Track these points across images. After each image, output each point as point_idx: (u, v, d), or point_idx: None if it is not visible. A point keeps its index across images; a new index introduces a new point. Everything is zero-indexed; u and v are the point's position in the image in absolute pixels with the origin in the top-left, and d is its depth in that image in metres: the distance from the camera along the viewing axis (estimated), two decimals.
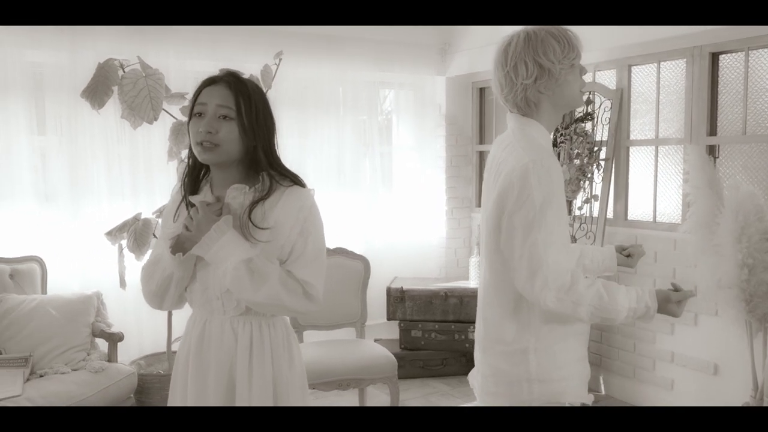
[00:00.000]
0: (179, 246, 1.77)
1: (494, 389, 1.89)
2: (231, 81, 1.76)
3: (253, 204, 1.76)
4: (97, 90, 3.29)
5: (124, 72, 3.35)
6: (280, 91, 4.51)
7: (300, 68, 4.62)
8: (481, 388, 1.94)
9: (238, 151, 1.76)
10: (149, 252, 3.28)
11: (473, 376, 2.03)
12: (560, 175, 1.80)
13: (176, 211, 1.88)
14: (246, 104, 1.74)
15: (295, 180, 1.82)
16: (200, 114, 1.75)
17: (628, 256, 2.19)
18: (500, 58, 1.87)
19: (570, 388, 1.85)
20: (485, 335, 1.93)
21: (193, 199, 1.83)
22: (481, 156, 5.42)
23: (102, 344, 3.60)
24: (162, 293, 1.85)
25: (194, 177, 1.89)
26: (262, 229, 1.74)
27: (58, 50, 3.81)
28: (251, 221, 1.75)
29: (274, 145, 1.82)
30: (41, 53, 3.81)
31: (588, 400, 1.91)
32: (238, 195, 1.79)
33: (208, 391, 1.78)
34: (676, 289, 1.86)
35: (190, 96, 2.99)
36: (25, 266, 3.66)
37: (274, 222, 1.75)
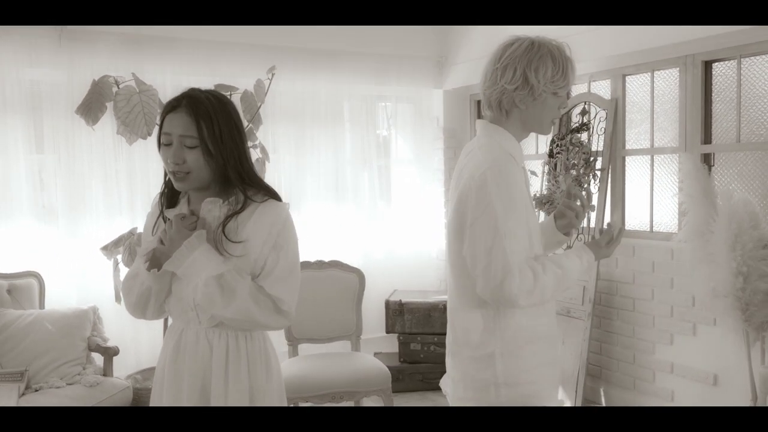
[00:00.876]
0: (155, 261, 1.78)
1: (463, 394, 1.89)
2: (190, 105, 1.75)
3: (227, 218, 1.78)
4: (91, 106, 3.34)
5: (118, 88, 3.39)
6: (277, 106, 4.57)
7: (297, 82, 4.65)
8: (453, 394, 1.95)
9: (209, 173, 1.77)
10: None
11: (445, 381, 2.03)
12: (520, 179, 1.83)
13: (155, 225, 1.90)
14: (208, 127, 1.73)
15: (269, 193, 1.83)
16: (167, 144, 1.76)
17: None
18: (497, 53, 1.89)
19: (538, 391, 1.84)
20: (454, 340, 1.93)
21: (168, 213, 1.85)
22: None
23: (98, 358, 3.62)
24: (143, 305, 1.87)
25: (173, 190, 1.90)
26: (235, 243, 1.75)
27: (56, 68, 3.87)
28: (224, 235, 1.76)
29: (244, 159, 1.81)
30: (39, 71, 3.87)
31: (558, 405, 1.91)
32: (213, 208, 1.81)
33: (182, 400, 1.79)
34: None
35: None
36: (23, 281, 3.69)
37: (246, 236, 1.76)
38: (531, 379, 1.83)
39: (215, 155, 1.74)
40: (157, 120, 1.82)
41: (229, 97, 3.50)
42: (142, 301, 1.86)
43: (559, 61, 1.83)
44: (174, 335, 1.85)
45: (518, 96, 1.84)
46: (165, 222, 1.84)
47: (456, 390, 1.93)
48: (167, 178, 1.87)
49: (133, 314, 1.91)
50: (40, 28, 3.75)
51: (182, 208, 1.86)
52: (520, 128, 1.92)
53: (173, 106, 1.77)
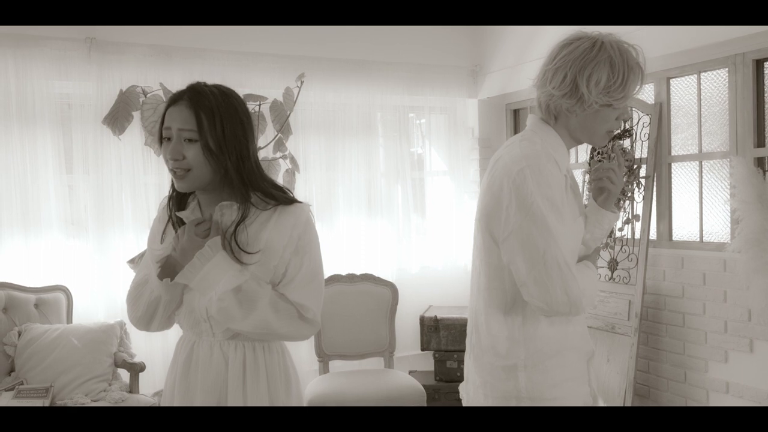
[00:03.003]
0: (168, 270, 1.65)
1: (483, 401, 1.74)
2: (191, 98, 1.63)
3: (237, 224, 1.64)
4: (117, 116, 3.29)
5: (145, 98, 3.34)
6: (307, 117, 4.49)
7: (328, 93, 4.57)
8: (472, 400, 1.79)
9: (210, 172, 1.63)
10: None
11: (463, 388, 1.88)
12: (559, 181, 1.67)
13: (164, 230, 1.77)
14: (209, 121, 1.61)
15: (282, 196, 1.69)
16: (168, 139, 1.64)
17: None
18: (553, 52, 1.72)
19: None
20: (477, 343, 1.78)
21: (182, 214, 1.72)
22: None
23: (124, 374, 3.53)
24: (149, 316, 1.74)
25: (181, 194, 1.77)
26: (249, 253, 1.62)
27: (85, 80, 3.84)
28: (237, 243, 1.62)
29: (247, 158, 1.66)
30: (69, 83, 3.85)
31: None
32: (228, 212, 1.68)
33: None
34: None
35: None
36: (50, 296, 3.64)
37: (264, 243, 1.63)
38: (556, 395, 1.67)
39: (216, 152, 1.61)
40: None
41: (258, 107, 3.39)
42: (150, 312, 1.73)
43: (618, 69, 1.63)
44: (185, 348, 1.72)
45: (566, 104, 1.67)
46: (176, 228, 1.71)
47: (476, 396, 1.78)
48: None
49: (137, 326, 1.79)
50: (69, 41, 3.74)
51: (194, 211, 1.73)
52: (567, 137, 1.76)
53: (174, 99, 1.66)
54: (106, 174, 3.93)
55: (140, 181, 4.02)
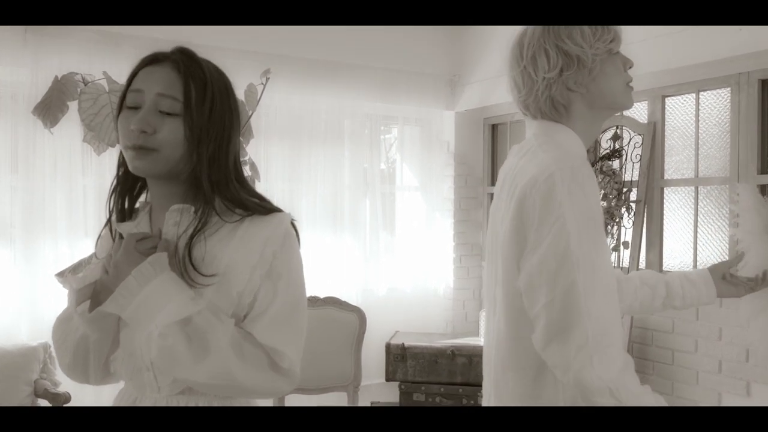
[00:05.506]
0: (96, 298, 1.25)
1: None
2: (181, 60, 1.26)
3: (192, 236, 1.25)
4: (50, 106, 2.85)
5: (84, 86, 2.90)
6: (270, 121, 4.09)
7: (294, 96, 4.18)
8: None
9: (179, 159, 1.24)
10: None
11: None
12: (596, 189, 1.35)
13: (98, 239, 1.40)
14: (198, 94, 1.24)
15: (257, 205, 1.30)
16: (134, 107, 1.24)
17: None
18: (515, 52, 1.47)
19: None
20: (503, 369, 1.44)
21: (121, 227, 1.32)
22: (493, 199, 4.94)
23: (46, 405, 3.04)
24: (82, 365, 1.32)
25: (126, 194, 1.38)
26: (204, 275, 1.22)
27: (18, 66, 3.37)
28: (191, 260, 1.23)
29: (227, 154, 1.29)
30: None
31: None
32: (183, 220, 1.28)
33: None
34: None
35: None
36: None
37: (227, 262, 1.24)
38: None
39: (197, 134, 1.23)
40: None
41: None
42: (80, 358, 1.31)
43: None
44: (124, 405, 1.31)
45: (570, 79, 1.41)
46: (114, 240, 1.32)
47: None
48: (120, 171, 1.36)
49: (73, 377, 1.37)
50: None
51: (140, 223, 1.33)
52: (590, 117, 1.46)
53: (155, 58, 1.28)
54: (38, 174, 3.45)
55: (77, 183, 3.55)
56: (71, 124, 3.26)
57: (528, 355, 1.35)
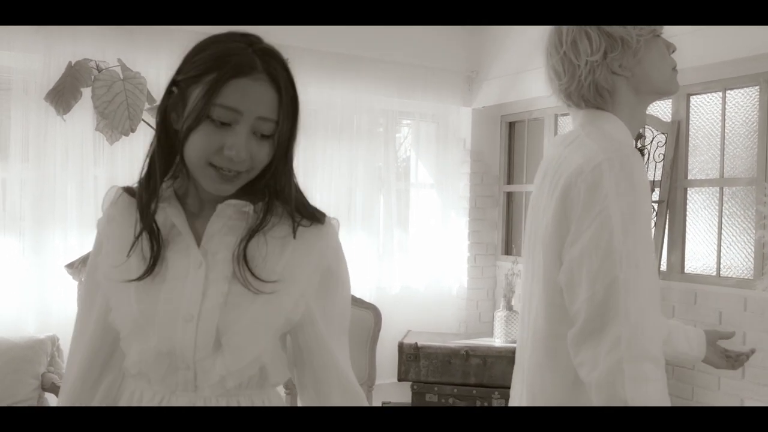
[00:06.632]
0: None
1: None
2: (276, 76, 1.12)
3: (250, 236, 1.14)
4: (63, 92, 2.77)
5: (98, 73, 2.83)
6: None
7: (310, 89, 4.10)
8: None
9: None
10: None
11: None
12: (645, 182, 1.27)
13: (132, 245, 1.17)
14: (289, 113, 1.13)
15: (309, 209, 1.22)
16: (226, 123, 1.09)
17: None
18: (552, 39, 1.39)
19: None
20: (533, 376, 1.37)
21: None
22: (509, 197, 4.85)
23: (52, 399, 2.98)
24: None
25: (161, 179, 1.19)
26: (265, 281, 1.13)
27: (31, 52, 3.31)
28: (246, 263, 1.13)
29: (292, 160, 1.21)
30: (10, 56, 3.32)
31: None
32: (240, 215, 1.17)
33: None
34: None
35: None
36: None
37: (281, 271, 1.15)
38: None
39: (283, 148, 1.15)
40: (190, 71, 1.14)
41: None
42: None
43: None
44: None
45: (614, 62, 1.34)
46: (153, 240, 1.16)
47: None
48: (145, 171, 1.19)
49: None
50: None
51: (173, 214, 1.18)
52: (636, 103, 1.40)
53: (249, 67, 1.11)
54: (49, 163, 3.39)
55: (89, 173, 3.49)
56: (83, 112, 3.19)
57: (569, 356, 1.27)
